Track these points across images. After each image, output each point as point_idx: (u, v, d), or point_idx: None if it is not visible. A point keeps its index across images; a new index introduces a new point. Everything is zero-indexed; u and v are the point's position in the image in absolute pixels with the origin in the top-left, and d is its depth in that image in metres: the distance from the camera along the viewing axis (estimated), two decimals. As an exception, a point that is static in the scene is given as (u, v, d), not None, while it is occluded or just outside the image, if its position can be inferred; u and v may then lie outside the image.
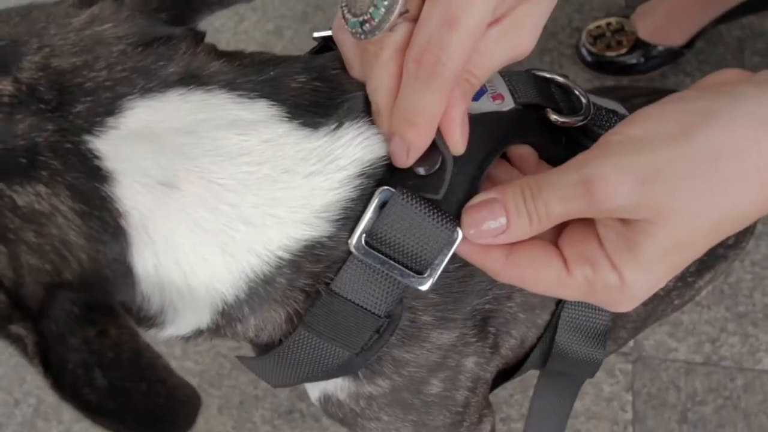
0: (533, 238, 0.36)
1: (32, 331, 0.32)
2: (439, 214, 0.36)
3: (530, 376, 0.90)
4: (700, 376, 0.84)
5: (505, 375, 0.57)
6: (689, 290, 0.59)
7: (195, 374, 0.88)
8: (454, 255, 0.37)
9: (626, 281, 0.34)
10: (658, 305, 0.57)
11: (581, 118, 0.42)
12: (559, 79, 0.43)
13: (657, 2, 0.98)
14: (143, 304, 0.36)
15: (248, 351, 0.49)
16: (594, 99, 0.44)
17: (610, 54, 0.99)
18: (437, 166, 0.36)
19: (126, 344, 0.32)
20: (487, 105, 0.39)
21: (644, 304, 0.55)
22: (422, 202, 0.36)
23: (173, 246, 0.35)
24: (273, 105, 0.36)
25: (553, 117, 0.41)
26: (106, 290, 0.34)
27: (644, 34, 0.97)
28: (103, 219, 0.33)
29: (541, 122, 0.42)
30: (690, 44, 0.98)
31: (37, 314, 0.32)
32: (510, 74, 0.41)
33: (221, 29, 1.13)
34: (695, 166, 0.31)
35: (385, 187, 0.36)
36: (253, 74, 0.37)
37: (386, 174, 0.37)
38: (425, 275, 0.37)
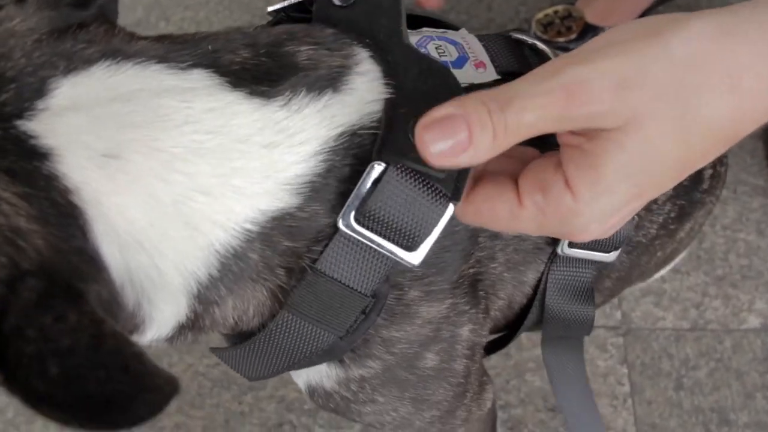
0: (490, 174, 0.34)
1: None
2: (434, 189, 0.35)
3: (525, 359, 0.88)
4: (690, 341, 0.84)
5: (497, 342, 0.56)
6: (671, 241, 0.59)
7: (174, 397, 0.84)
8: None
9: (581, 200, 0.32)
10: (641, 255, 0.56)
11: None
12: (539, 45, 0.41)
13: (599, -13, 1.01)
14: (119, 298, 0.33)
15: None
16: None
17: (561, 40, 1.00)
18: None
19: (85, 330, 0.29)
20: (470, 73, 0.38)
21: (627, 252, 0.55)
22: (417, 177, 0.34)
23: (131, 222, 0.32)
24: (211, 74, 0.35)
25: None
26: (73, 277, 0.31)
27: (592, 18, 1.00)
28: (52, 199, 0.31)
29: None
30: (636, 24, 1.01)
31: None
32: (487, 38, 0.40)
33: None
34: (671, 70, 0.31)
35: (378, 162, 0.35)
36: (186, 49, 0.36)
37: (369, 145, 0.36)
38: (415, 251, 0.36)
